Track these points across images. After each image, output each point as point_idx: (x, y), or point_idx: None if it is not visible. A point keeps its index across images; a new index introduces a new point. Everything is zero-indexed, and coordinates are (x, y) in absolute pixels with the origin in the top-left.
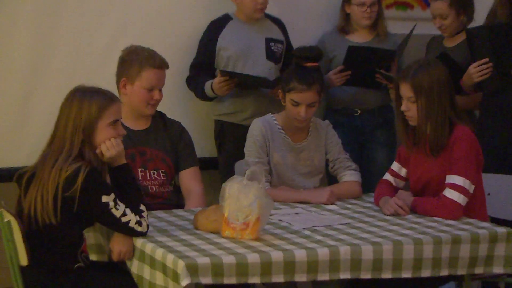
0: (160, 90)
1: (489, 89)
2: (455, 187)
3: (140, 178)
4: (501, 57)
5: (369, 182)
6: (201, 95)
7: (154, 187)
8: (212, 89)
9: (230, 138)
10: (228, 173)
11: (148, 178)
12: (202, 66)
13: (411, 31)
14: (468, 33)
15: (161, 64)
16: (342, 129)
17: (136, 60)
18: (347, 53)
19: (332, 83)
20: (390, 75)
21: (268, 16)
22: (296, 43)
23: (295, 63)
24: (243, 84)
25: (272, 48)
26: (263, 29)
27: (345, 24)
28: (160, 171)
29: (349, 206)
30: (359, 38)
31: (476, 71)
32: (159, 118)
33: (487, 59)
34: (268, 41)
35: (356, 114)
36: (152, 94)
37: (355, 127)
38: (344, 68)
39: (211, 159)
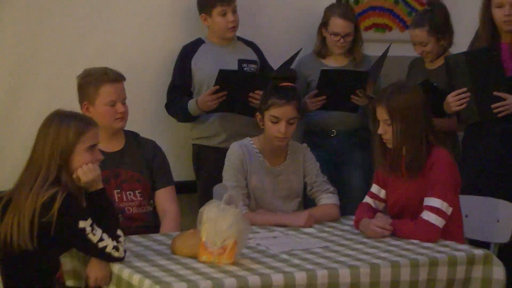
0: (124, 103)
1: (467, 119)
2: (433, 210)
3: (116, 200)
4: (480, 83)
5: (345, 204)
6: (183, 116)
7: (131, 209)
8: (197, 105)
9: (208, 162)
10: (207, 197)
11: (125, 199)
12: (179, 90)
13: (386, 52)
14: (446, 61)
15: (116, 77)
16: (318, 150)
17: (91, 81)
18: (320, 76)
19: (308, 108)
20: (371, 95)
21: (241, 39)
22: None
23: (272, 84)
24: (228, 104)
25: (245, 68)
26: (236, 50)
27: (322, 48)
28: (136, 191)
29: (327, 229)
30: (335, 62)
31: (454, 100)
32: (133, 138)
33: (465, 89)
34: (241, 62)
35: (332, 135)
36: (115, 108)
37: (331, 148)
38: (319, 93)
39: (190, 182)
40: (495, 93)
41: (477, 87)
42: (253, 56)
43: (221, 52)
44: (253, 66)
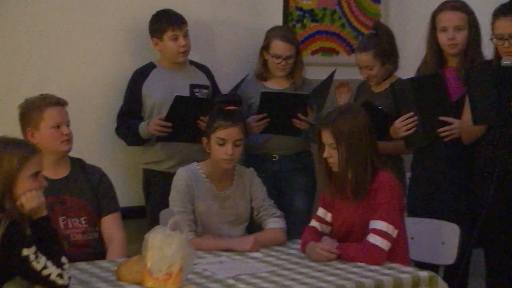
0: (68, 126)
1: (415, 144)
2: (378, 233)
3: (61, 227)
4: (426, 109)
5: (288, 228)
6: (133, 140)
7: (76, 235)
8: (148, 127)
9: (157, 187)
10: (156, 222)
11: (70, 226)
12: (130, 115)
13: (330, 77)
14: (392, 87)
15: (58, 101)
16: (260, 174)
17: (34, 106)
18: (261, 99)
19: (251, 130)
20: (313, 123)
21: (193, 63)
22: (223, 88)
23: (216, 108)
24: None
25: (197, 93)
26: (187, 75)
27: (263, 71)
28: (82, 218)
29: (273, 253)
30: (276, 85)
31: (402, 126)
32: (78, 164)
33: (411, 114)
34: (192, 86)
35: (274, 160)
36: (61, 130)
37: (273, 172)
38: (259, 113)
39: (140, 208)
40: (440, 118)
41: (423, 112)
42: (205, 81)
43: (173, 77)
44: (205, 91)
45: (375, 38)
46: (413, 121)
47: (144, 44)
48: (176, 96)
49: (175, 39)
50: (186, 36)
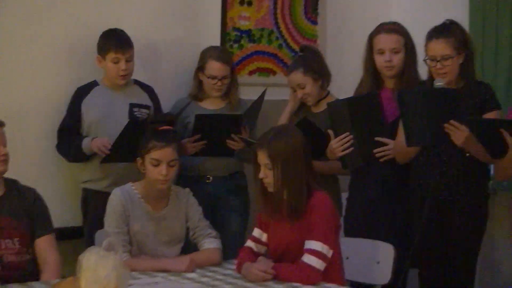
0: (5, 147)
1: (351, 164)
2: (313, 253)
3: None
4: (362, 129)
5: (224, 248)
6: (75, 156)
7: (9, 256)
8: (91, 144)
9: (95, 206)
10: (93, 243)
11: (3, 247)
12: (69, 131)
13: (261, 97)
14: (328, 107)
15: None
16: (194, 196)
17: None
18: (195, 121)
19: (186, 151)
20: (252, 141)
21: (137, 82)
22: (164, 108)
23: (151, 128)
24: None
25: (136, 113)
26: (129, 94)
27: (198, 91)
28: (15, 239)
29: (209, 273)
30: (211, 105)
31: (338, 146)
32: (12, 185)
33: (347, 133)
34: (132, 106)
35: (208, 181)
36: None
37: (207, 193)
38: (195, 134)
39: (79, 228)
40: (376, 138)
41: (360, 133)
42: (146, 101)
43: (113, 95)
44: (145, 111)
45: (303, 57)
46: (349, 141)
47: (90, 61)
48: (130, 121)
49: (117, 62)
50: (128, 61)
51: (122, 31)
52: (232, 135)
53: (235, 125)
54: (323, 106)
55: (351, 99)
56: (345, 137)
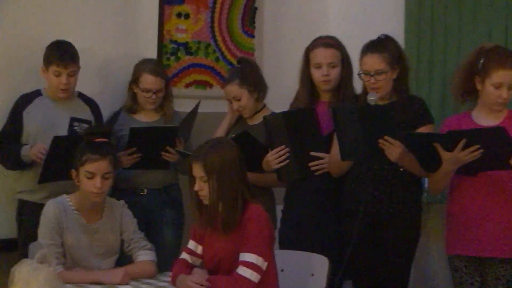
0: None
1: (287, 177)
2: (248, 265)
3: None
4: (298, 142)
5: (159, 260)
6: (13, 162)
7: None
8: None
9: (29, 218)
10: (27, 255)
11: None
12: (9, 138)
13: (195, 109)
14: (265, 120)
15: None
16: (129, 208)
17: None
18: (130, 135)
19: (122, 164)
20: (187, 153)
21: (82, 96)
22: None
23: (85, 140)
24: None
25: (76, 127)
26: (70, 108)
27: (133, 104)
28: None
29: (143, 286)
30: (146, 117)
31: (274, 159)
32: None
33: (283, 147)
34: (72, 120)
35: (142, 194)
36: None
37: (142, 206)
38: (130, 147)
39: (14, 240)
40: (311, 153)
41: (296, 146)
42: (88, 115)
43: (55, 107)
44: (85, 125)
45: (239, 70)
46: (285, 154)
47: (36, 70)
48: (55, 137)
49: (58, 75)
50: (71, 75)
51: (69, 44)
52: (168, 148)
53: (170, 137)
54: (259, 118)
55: (287, 112)
56: (281, 150)
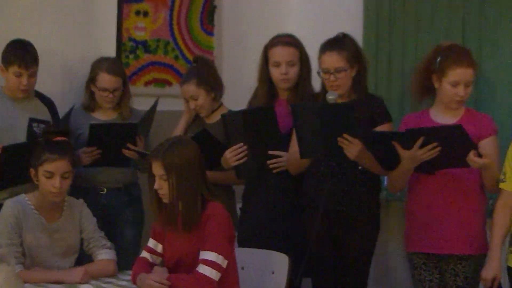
0: None
1: (246, 175)
2: (208, 263)
3: None
4: (257, 141)
5: (119, 259)
6: None
7: None
8: None
9: None
10: None
11: None
12: None
13: (153, 107)
14: (223, 118)
15: None
16: (88, 207)
17: None
18: (89, 131)
19: (81, 161)
20: (144, 152)
21: (38, 95)
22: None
23: (44, 139)
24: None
25: (35, 128)
26: (29, 108)
27: (90, 102)
28: None
29: (104, 285)
30: (103, 116)
31: (231, 156)
32: None
33: (241, 144)
34: (31, 121)
35: (102, 193)
36: None
37: (102, 205)
38: (90, 145)
39: None
40: (270, 152)
41: (254, 144)
42: (46, 116)
43: (13, 108)
44: (43, 126)
45: (196, 69)
46: (243, 152)
47: None
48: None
49: (19, 76)
50: (31, 76)
51: (30, 44)
52: (128, 144)
53: (130, 134)
54: (216, 117)
55: (246, 110)
56: (238, 147)
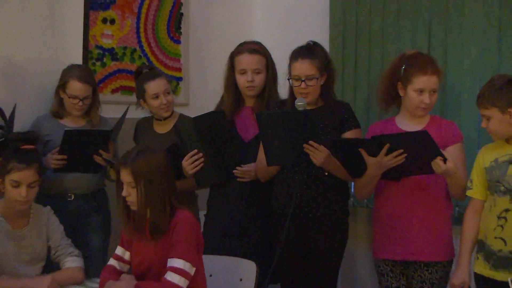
0: None
1: (205, 182)
2: (176, 270)
3: None
4: (214, 147)
5: (86, 267)
6: None
7: None
8: None
9: None
10: None
11: None
12: None
13: (124, 114)
14: (175, 128)
15: None
16: (56, 214)
17: None
18: (64, 137)
19: (50, 166)
20: (112, 161)
21: None
22: (23, 125)
23: (12, 147)
24: None
25: None
26: None
27: (59, 109)
28: None
29: None
30: (72, 123)
31: (188, 164)
32: None
33: (196, 151)
34: None
35: (69, 200)
36: None
37: (69, 212)
38: (61, 152)
39: None
40: (238, 168)
41: (210, 150)
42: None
43: None
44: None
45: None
46: (199, 158)
47: None
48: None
49: None
50: None
51: None
52: (101, 151)
53: (103, 141)
54: (168, 127)
55: (196, 117)
56: (193, 155)
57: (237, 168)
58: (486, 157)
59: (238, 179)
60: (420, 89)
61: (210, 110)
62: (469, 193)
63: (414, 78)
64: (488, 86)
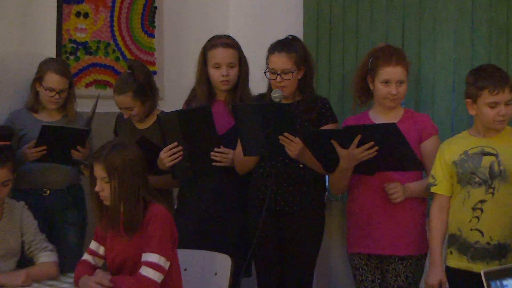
0: None
1: (181, 175)
2: (151, 265)
3: None
4: (193, 141)
5: (62, 262)
6: None
7: None
8: None
9: None
10: None
11: None
12: None
13: (94, 105)
14: (158, 119)
15: None
16: (30, 209)
17: None
18: (41, 131)
19: (26, 158)
20: (83, 162)
21: None
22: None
23: None
24: None
25: None
26: None
27: (35, 103)
28: None
29: (45, 287)
30: (47, 117)
31: (166, 156)
32: None
33: (175, 144)
34: None
35: (45, 195)
36: None
37: (44, 208)
38: (38, 144)
39: None
40: (216, 150)
41: (189, 144)
42: None
43: None
44: None
45: (132, 78)
46: (178, 151)
47: None
48: None
49: None
50: None
51: None
52: (79, 147)
53: (81, 139)
54: (149, 122)
55: (181, 111)
56: (173, 147)
57: (216, 149)
58: (452, 151)
59: (214, 163)
60: (385, 79)
61: (183, 104)
62: (433, 189)
63: (380, 69)
64: None
